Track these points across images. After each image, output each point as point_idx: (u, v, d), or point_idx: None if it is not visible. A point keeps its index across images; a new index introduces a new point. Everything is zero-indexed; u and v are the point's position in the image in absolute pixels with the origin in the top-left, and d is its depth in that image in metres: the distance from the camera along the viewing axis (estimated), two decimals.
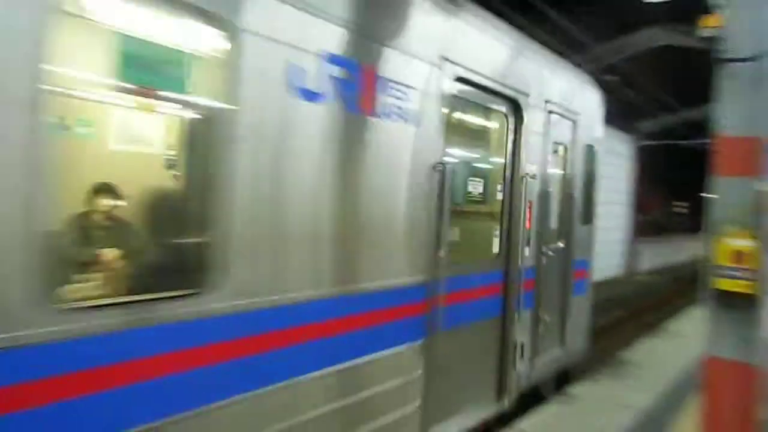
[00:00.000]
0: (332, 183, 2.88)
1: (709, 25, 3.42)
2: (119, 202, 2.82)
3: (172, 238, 2.75)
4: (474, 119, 4.73)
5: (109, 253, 2.58)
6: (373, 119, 3.10)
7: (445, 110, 3.67)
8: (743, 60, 3.13)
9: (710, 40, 3.36)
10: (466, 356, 4.06)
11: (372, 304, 3.17)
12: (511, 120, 4.49)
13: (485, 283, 4.31)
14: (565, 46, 10.56)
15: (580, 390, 5.24)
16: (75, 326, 1.90)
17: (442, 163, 3.59)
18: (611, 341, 8.65)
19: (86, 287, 2.40)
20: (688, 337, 7.53)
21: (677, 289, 15.93)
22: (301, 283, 2.73)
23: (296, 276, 2.71)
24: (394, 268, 3.32)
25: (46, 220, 1.89)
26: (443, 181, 3.60)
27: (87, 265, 2.50)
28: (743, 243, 3.10)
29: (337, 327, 2.92)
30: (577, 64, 7.50)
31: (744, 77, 3.16)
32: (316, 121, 2.76)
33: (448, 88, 3.67)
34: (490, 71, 4.08)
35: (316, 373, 2.80)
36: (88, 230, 2.77)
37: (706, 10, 3.49)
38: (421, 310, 3.50)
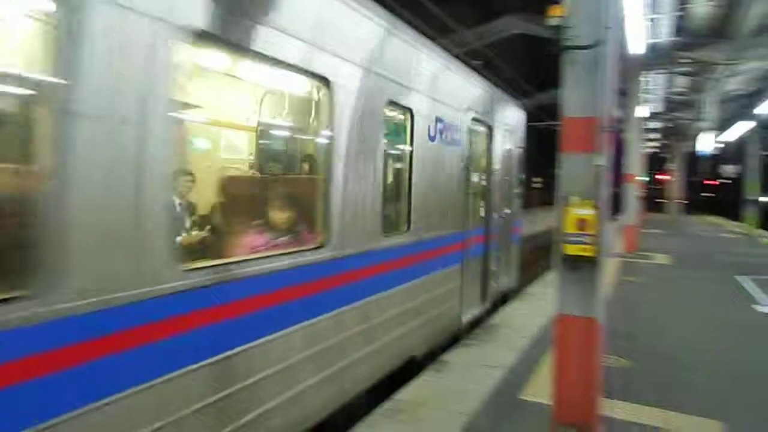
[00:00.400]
0: (436, 179, 5.61)
1: (555, 14, 3.74)
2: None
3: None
4: (476, 138, 7.00)
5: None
6: (445, 146, 5.81)
7: (468, 138, 6.45)
8: (583, 47, 3.49)
9: (557, 28, 3.69)
10: (472, 276, 6.77)
11: (446, 242, 5.91)
12: (488, 138, 7.38)
13: (479, 235, 7.01)
14: (435, 31, 10.99)
15: (451, 356, 5.59)
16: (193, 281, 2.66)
17: (467, 166, 6.45)
18: None
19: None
20: (545, 299, 8.39)
21: (535, 256, 17.57)
22: (426, 229, 5.35)
23: (425, 226, 5.33)
24: (452, 225, 6.08)
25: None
26: (468, 176, 6.50)
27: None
28: (585, 212, 3.49)
29: (434, 253, 5.58)
30: (445, 48, 7.86)
31: (584, 63, 3.52)
32: (433, 150, 5.50)
33: (469, 125, 6.49)
34: (482, 114, 6.95)
35: (426, 277, 5.35)
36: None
37: (556, 1, 3.82)
38: (461, 247, 6.32)
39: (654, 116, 23.28)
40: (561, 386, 3.70)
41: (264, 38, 3.05)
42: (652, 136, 28.86)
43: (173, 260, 2.56)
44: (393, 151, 5.13)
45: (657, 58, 13.38)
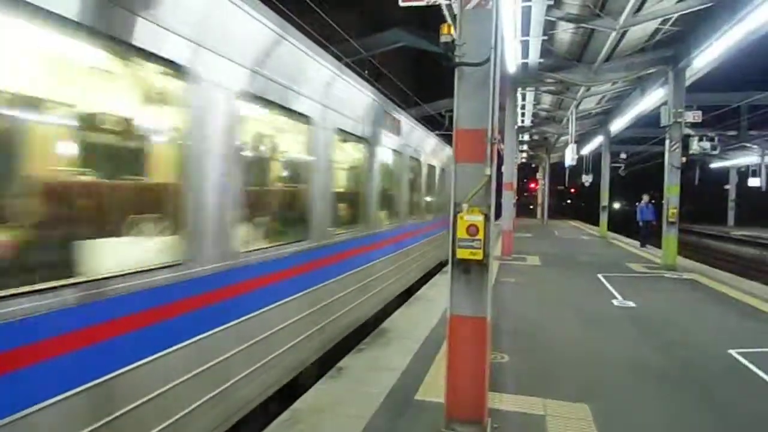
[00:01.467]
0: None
1: (444, 32, 3.97)
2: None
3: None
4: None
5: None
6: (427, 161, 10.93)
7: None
8: (473, 64, 3.74)
9: (447, 45, 3.91)
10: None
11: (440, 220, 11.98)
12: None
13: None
14: (323, 38, 11.03)
15: (347, 362, 5.64)
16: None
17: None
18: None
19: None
20: (435, 301, 8.78)
21: None
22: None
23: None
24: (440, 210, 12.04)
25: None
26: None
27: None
28: (475, 218, 3.73)
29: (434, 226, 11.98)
30: (337, 57, 7.91)
31: (474, 79, 3.78)
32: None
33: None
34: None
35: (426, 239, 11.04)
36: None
37: (445, 19, 4.06)
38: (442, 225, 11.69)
39: (524, 129, 25.46)
40: (453, 383, 3.91)
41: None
42: (522, 147, 31.48)
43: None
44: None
45: (527, 77, 14.66)
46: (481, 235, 3.72)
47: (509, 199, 15.95)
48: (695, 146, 14.51)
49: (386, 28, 15.90)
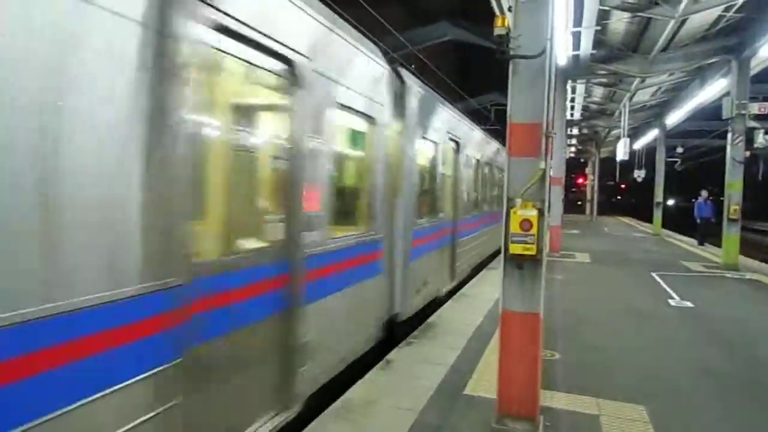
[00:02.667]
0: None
1: (499, 25, 3.94)
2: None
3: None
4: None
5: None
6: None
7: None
8: (528, 57, 3.70)
9: (501, 38, 3.88)
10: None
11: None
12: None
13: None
14: (371, 32, 11.09)
15: (396, 354, 5.71)
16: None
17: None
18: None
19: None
20: (480, 298, 8.73)
21: None
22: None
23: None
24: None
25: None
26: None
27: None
28: (529, 213, 3.70)
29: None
30: (384, 51, 7.95)
31: (528, 72, 3.74)
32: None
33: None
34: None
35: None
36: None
37: (495, 12, 4.02)
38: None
39: (573, 123, 24.80)
40: (506, 379, 3.90)
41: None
42: (571, 142, 30.69)
43: None
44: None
45: (579, 69, 14.27)
46: (534, 231, 3.68)
47: (557, 194, 15.61)
48: (761, 139, 13.74)
49: (431, 22, 15.81)
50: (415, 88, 6.80)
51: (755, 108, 12.73)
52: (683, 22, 11.52)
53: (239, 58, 3.22)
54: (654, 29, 12.27)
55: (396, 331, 6.39)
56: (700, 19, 11.80)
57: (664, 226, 23.99)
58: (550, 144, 3.76)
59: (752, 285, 10.92)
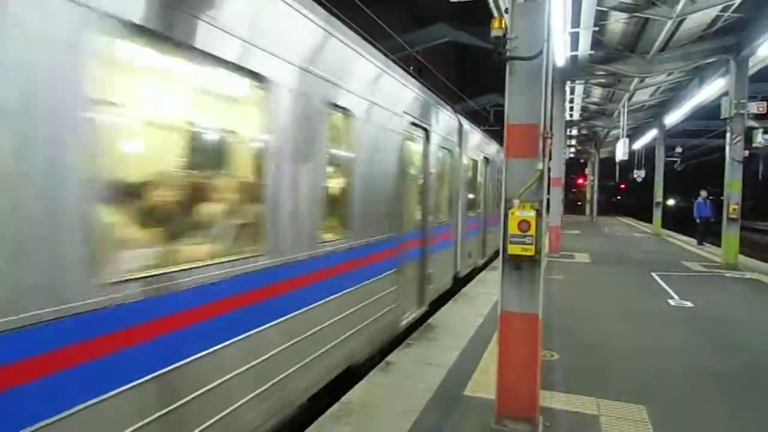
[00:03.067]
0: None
1: (495, 27, 3.94)
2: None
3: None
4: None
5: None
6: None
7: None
8: (525, 58, 3.71)
9: (498, 39, 3.89)
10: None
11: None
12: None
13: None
14: (369, 33, 11.10)
15: (395, 356, 5.70)
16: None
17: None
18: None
19: None
20: (480, 299, 8.73)
21: None
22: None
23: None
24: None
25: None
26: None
27: None
28: (527, 214, 3.70)
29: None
30: (383, 53, 7.96)
31: (525, 73, 3.74)
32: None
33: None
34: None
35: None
36: None
37: (493, 14, 4.03)
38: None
39: (572, 124, 24.81)
40: (504, 379, 3.90)
41: None
42: (570, 142, 30.70)
43: None
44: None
45: (577, 69, 14.29)
46: (533, 231, 3.69)
47: (557, 195, 15.61)
48: (760, 139, 13.76)
49: (429, 24, 15.82)
50: (467, 127, 10.26)
51: (754, 107, 12.75)
52: (681, 22, 11.54)
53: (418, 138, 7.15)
54: (652, 29, 12.29)
55: (457, 283, 9.67)
56: (698, 19, 11.82)
57: (664, 226, 23.99)
58: (548, 145, 3.77)
59: (752, 284, 10.91)
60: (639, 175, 27.33)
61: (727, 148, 12.73)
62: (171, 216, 2.89)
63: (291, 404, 3.86)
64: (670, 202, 46.39)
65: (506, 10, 3.95)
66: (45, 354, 2.05)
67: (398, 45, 13.12)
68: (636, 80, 15.54)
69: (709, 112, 18.15)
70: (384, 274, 5.69)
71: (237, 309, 3.16)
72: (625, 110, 18.52)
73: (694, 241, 19.38)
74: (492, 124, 22.47)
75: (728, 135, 12.68)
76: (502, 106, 16.13)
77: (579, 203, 46.14)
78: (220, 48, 2.94)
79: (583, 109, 22.51)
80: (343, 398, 4.53)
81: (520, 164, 3.78)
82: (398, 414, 4.24)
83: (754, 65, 13.02)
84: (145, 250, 2.64)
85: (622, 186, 54.14)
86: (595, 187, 34.71)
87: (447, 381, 5.01)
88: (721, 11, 11.31)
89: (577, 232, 23.81)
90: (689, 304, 8.68)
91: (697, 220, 18.58)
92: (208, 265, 2.91)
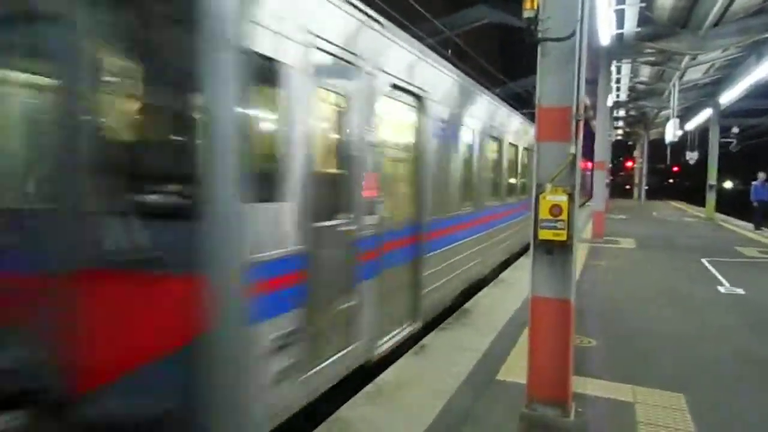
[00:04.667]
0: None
1: (528, 7, 3.86)
2: None
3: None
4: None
5: None
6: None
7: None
8: (558, 39, 3.62)
9: (530, 20, 3.81)
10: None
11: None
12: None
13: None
14: (405, 17, 11.03)
15: (430, 340, 5.76)
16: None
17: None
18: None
19: None
20: (517, 284, 8.65)
21: None
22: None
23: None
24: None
25: None
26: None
27: None
28: (559, 198, 3.64)
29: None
30: (419, 37, 7.90)
31: (558, 55, 3.66)
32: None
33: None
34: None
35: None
36: None
37: None
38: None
39: (619, 105, 23.89)
40: (535, 364, 3.88)
41: None
42: (617, 124, 29.61)
43: None
44: None
45: (623, 48, 13.73)
46: (564, 216, 3.62)
47: (601, 178, 15.16)
48: None
49: (469, 5, 15.52)
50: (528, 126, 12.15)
51: None
52: None
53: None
54: (704, 3, 11.63)
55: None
56: None
57: (718, 210, 22.89)
58: (580, 128, 3.68)
59: None
60: (692, 157, 26.14)
61: None
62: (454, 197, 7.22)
63: (474, 278, 8.26)
64: (727, 184, 44.14)
65: None
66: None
67: (437, 28, 12.95)
68: (687, 58, 14.78)
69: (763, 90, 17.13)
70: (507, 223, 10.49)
71: (470, 227, 7.85)
72: (676, 89, 17.68)
73: (750, 225, 18.44)
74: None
75: None
76: None
77: (627, 187, 44.53)
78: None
79: (631, 89, 21.62)
80: (377, 379, 4.63)
81: (551, 148, 3.71)
82: (430, 395, 4.30)
83: None
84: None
85: (675, 169, 51.83)
86: (644, 170, 33.39)
87: (480, 365, 5.03)
88: None
89: (624, 216, 23.04)
90: (741, 291, 8.32)
91: (755, 204, 17.69)
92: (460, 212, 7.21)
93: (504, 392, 4.40)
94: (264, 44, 3.12)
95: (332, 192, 4.08)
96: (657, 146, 35.75)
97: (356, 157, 4.33)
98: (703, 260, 11.16)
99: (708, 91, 21.90)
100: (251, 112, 3.09)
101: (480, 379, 4.67)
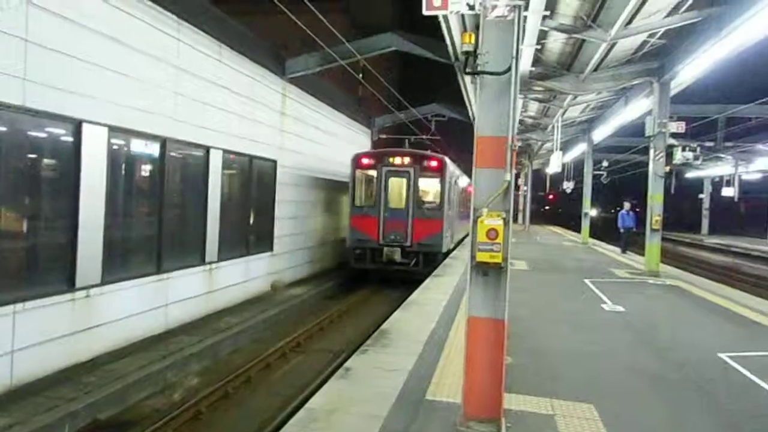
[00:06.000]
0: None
1: (466, 41, 4.10)
2: None
3: None
4: None
5: None
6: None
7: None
8: (495, 73, 3.88)
9: (468, 53, 4.05)
10: None
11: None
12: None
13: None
14: (312, 39, 11.12)
15: (353, 362, 5.73)
16: None
17: None
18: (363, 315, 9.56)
19: None
20: (428, 306, 8.91)
21: None
22: None
23: None
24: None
25: None
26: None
27: None
28: (495, 222, 3.86)
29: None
30: (333, 59, 7.95)
31: (496, 87, 3.92)
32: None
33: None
34: None
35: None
36: None
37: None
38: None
39: None
40: (470, 382, 4.03)
41: None
42: None
43: None
44: None
45: (520, 84, 14.93)
46: (500, 239, 3.85)
47: None
48: (679, 156, 15.01)
49: (374, 33, 16.00)
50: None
51: (674, 126, 13.86)
52: (613, 45, 12.37)
53: None
54: (587, 51, 13.08)
55: None
56: (628, 44, 12.73)
57: (590, 235, 25.47)
58: (515, 157, 3.95)
59: (673, 290, 11.82)
60: (568, 186, 28.87)
61: (651, 163, 13.74)
62: None
63: None
64: (593, 212, 49.17)
65: (477, 26, 4.11)
66: None
67: (346, 51, 13.16)
68: (570, 97, 16.45)
69: (633, 129, 19.57)
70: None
71: None
72: (559, 125, 19.55)
73: (618, 249, 20.70)
74: (433, 133, 22.99)
75: (651, 151, 13.70)
76: (443, 116, 16.23)
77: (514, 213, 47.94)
78: None
79: (520, 122, 23.50)
80: (308, 404, 4.51)
81: (489, 174, 3.94)
82: (365, 418, 4.27)
83: (674, 87, 14.17)
84: None
85: (550, 197, 56.92)
86: (528, 198, 36.30)
87: (408, 385, 5.09)
88: (648, 37, 12.24)
89: (513, 240, 24.74)
90: (621, 308, 9.28)
91: (621, 230, 19.89)
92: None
93: (436, 411, 4.48)
94: None
95: None
96: (537, 176, 39.23)
97: None
98: (586, 281, 12.32)
99: (584, 128, 24.49)
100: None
101: (410, 400, 4.72)
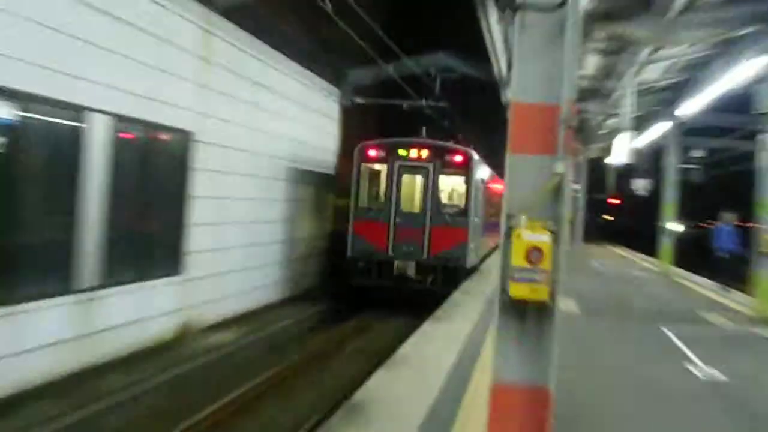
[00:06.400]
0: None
1: None
2: None
3: None
4: None
5: None
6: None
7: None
8: (544, 9, 3.87)
9: None
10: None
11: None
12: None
13: None
14: None
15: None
16: None
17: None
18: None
19: None
20: (426, 364, 8.87)
21: None
22: None
23: None
24: None
25: None
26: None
27: None
28: (539, 237, 3.83)
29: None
30: None
31: (543, 30, 3.91)
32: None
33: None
34: None
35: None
36: None
37: None
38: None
39: None
40: None
41: None
42: None
43: None
44: None
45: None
46: (546, 264, 3.82)
47: None
48: None
49: None
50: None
51: None
52: None
53: None
54: None
55: None
56: None
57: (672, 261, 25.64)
58: (570, 138, 3.94)
59: None
60: (639, 186, 28.65)
61: (762, 155, 13.87)
62: None
63: None
64: (676, 226, 49.59)
65: None
66: None
67: None
68: (647, 50, 16.60)
69: (731, 103, 19.78)
70: None
71: None
72: (633, 90, 19.59)
73: (710, 282, 20.89)
74: (438, 96, 22.76)
75: (765, 137, 13.83)
76: (453, 70, 16.16)
77: None
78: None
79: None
80: None
81: (530, 164, 3.92)
82: None
83: None
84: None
85: (616, 201, 56.48)
86: (582, 203, 36.30)
87: None
88: None
89: None
90: (720, 375, 9.34)
91: (719, 254, 19.88)
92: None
93: None
94: None
95: None
96: (593, 169, 39.04)
97: None
98: (665, 329, 12.41)
99: (666, 97, 24.60)
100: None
101: None
